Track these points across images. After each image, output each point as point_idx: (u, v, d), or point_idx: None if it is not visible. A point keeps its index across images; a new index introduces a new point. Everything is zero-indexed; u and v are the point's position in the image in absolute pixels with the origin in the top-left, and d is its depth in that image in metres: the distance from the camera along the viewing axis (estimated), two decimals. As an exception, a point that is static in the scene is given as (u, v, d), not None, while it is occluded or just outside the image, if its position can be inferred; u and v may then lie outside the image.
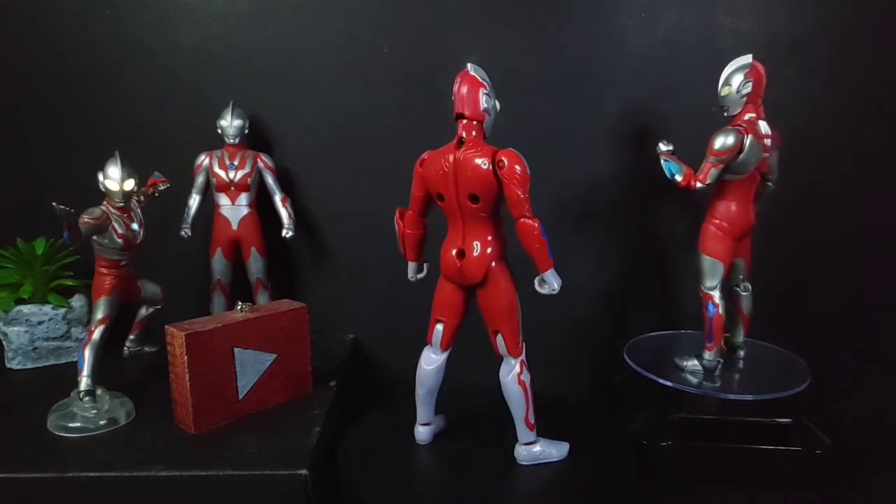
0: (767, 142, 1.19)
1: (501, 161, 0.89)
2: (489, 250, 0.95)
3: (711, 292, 1.23)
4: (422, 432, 1.07)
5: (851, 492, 1.13)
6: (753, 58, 1.18)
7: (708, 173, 1.17)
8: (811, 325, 1.46)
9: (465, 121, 0.92)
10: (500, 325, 0.97)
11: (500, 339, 0.98)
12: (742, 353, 1.33)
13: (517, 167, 0.88)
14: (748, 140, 1.15)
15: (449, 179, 0.92)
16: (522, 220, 0.90)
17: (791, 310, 1.49)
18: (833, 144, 1.44)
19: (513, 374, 0.97)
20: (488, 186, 0.90)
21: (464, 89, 0.92)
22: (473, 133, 0.92)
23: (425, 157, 0.96)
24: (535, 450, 1.01)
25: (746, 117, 1.18)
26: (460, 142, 0.92)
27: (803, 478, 1.12)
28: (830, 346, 1.40)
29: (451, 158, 0.92)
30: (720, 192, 1.23)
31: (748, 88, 1.17)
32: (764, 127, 1.18)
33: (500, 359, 1.00)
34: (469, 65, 0.94)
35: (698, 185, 1.18)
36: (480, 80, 0.93)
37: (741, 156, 1.16)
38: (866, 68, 1.41)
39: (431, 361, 1.04)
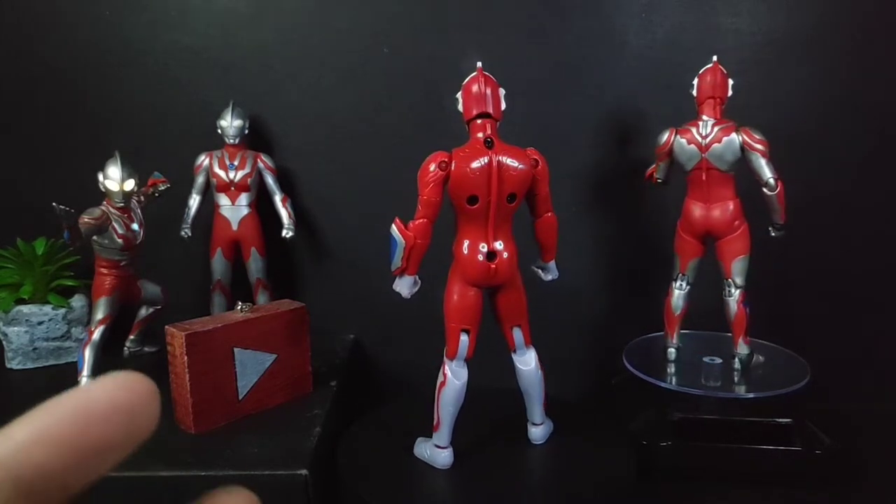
0: (705, 142, 1.20)
1: (536, 160, 0.94)
2: (513, 249, 0.97)
3: (670, 283, 1.31)
4: (447, 457, 0.98)
5: (851, 492, 1.13)
6: (718, 59, 1.22)
7: (655, 169, 1.29)
8: (811, 325, 1.46)
9: (489, 120, 0.92)
10: (521, 319, 1.01)
11: (518, 333, 1.01)
12: (735, 361, 1.25)
13: (545, 165, 0.95)
14: (674, 139, 1.23)
15: (492, 181, 0.90)
16: (549, 214, 0.99)
17: (791, 310, 1.49)
18: (834, 143, 1.44)
19: (535, 362, 1.02)
20: (526, 185, 0.94)
21: (487, 89, 0.92)
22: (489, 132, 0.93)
23: (445, 160, 0.90)
24: (546, 428, 1.06)
25: (702, 117, 1.23)
26: (488, 142, 0.91)
27: (803, 478, 1.12)
28: (830, 346, 1.40)
29: (493, 160, 0.90)
30: (685, 191, 1.28)
31: (693, 90, 1.24)
32: (703, 127, 1.21)
33: (512, 352, 1.03)
34: (480, 64, 0.94)
35: (656, 178, 1.30)
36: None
37: (673, 154, 1.24)
38: (866, 68, 1.41)
39: (461, 376, 0.98)
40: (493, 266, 0.94)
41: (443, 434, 0.98)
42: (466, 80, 0.95)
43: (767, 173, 1.17)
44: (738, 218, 1.23)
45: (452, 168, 0.90)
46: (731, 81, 1.22)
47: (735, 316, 1.24)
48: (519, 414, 1.07)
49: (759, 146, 1.17)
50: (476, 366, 1.10)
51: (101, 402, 0.22)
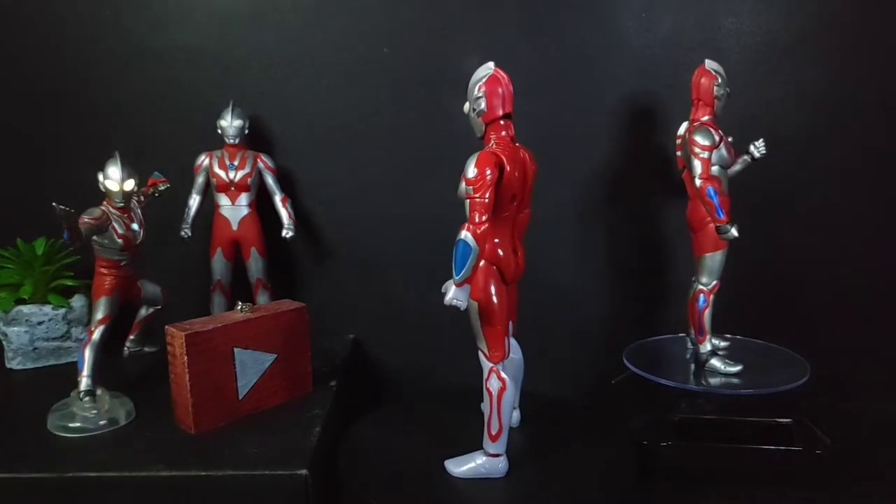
0: (678, 141, 1.28)
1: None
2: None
3: None
4: (506, 463, 0.96)
5: (851, 492, 1.13)
6: (708, 62, 1.24)
7: None
8: (811, 325, 1.46)
9: (510, 120, 0.94)
10: (515, 312, 1.02)
11: (511, 325, 1.02)
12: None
13: None
14: None
15: (527, 179, 0.93)
16: (528, 210, 0.99)
17: (791, 309, 1.49)
18: (834, 143, 1.44)
19: (520, 350, 1.05)
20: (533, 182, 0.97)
21: (511, 89, 0.93)
22: None
23: (497, 160, 0.88)
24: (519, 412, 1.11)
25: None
26: (512, 141, 0.93)
27: (803, 478, 1.12)
28: (830, 346, 1.40)
29: (527, 158, 0.93)
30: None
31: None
32: (682, 128, 1.27)
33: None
34: (493, 64, 0.94)
35: None
36: None
37: None
38: (866, 68, 1.41)
39: (512, 376, 0.97)
40: (519, 263, 0.96)
41: (503, 441, 0.95)
42: (485, 79, 0.93)
43: (694, 172, 1.20)
44: (707, 216, 1.23)
45: (505, 168, 0.89)
46: (715, 81, 1.22)
47: (688, 312, 1.28)
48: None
49: (692, 145, 1.20)
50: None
51: None
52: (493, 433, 0.95)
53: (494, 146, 0.91)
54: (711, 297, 1.25)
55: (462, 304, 0.86)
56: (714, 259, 1.24)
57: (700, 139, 1.19)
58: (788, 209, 1.45)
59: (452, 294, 0.84)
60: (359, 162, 1.50)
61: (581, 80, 1.45)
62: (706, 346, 1.26)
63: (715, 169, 1.22)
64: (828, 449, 1.12)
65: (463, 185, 0.90)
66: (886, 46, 1.40)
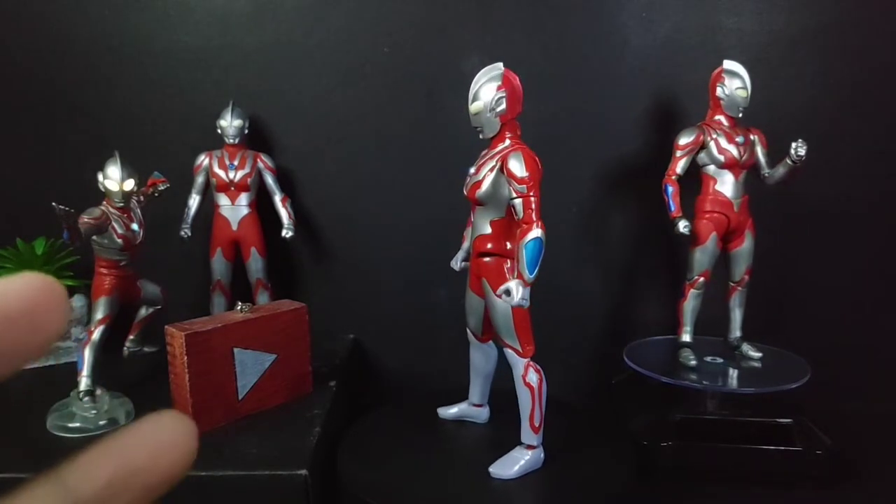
0: None
1: None
2: None
3: None
4: (543, 452, 0.99)
5: (851, 492, 1.13)
6: (727, 62, 1.24)
7: None
8: (811, 325, 1.46)
9: (516, 120, 0.94)
10: None
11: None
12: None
13: None
14: None
15: None
16: None
17: (791, 310, 1.49)
18: (833, 144, 1.44)
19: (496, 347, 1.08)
20: None
21: (521, 88, 0.94)
22: None
23: (535, 158, 0.91)
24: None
25: None
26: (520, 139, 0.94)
27: (803, 478, 1.12)
28: (830, 347, 1.40)
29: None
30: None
31: None
32: None
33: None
34: (501, 64, 0.95)
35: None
36: None
37: None
38: (867, 67, 1.41)
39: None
40: None
41: (541, 431, 0.97)
42: (502, 79, 0.94)
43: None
44: (697, 213, 1.27)
45: (539, 166, 0.91)
46: (720, 82, 1.23)
47: None
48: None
49: (674, 143, 1.26)
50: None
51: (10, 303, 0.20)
52: (536, 424, 0.96)
53: (513, 145, 0.92)
54: (691, 290, 1.28)
55: (527, 302, 0.87)
56: (695, 254, 1.27)
57: (679, 139, 1.25)
58: (788, 210, 1.45)
59: (522, 294, 0.85)
60: (358, 162, 1.50)
61: (581, 79, 1.45)
62: (681, 338, 1.30)
63: (710, 168, 1.25)
64: (828, 449, 1.12)
65: (487, 183, 0.91)
66: (887, 46, 1.40)
